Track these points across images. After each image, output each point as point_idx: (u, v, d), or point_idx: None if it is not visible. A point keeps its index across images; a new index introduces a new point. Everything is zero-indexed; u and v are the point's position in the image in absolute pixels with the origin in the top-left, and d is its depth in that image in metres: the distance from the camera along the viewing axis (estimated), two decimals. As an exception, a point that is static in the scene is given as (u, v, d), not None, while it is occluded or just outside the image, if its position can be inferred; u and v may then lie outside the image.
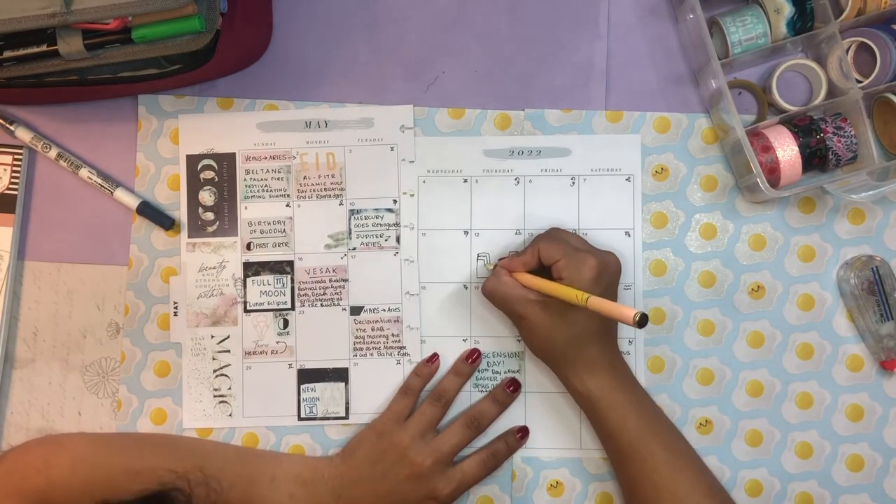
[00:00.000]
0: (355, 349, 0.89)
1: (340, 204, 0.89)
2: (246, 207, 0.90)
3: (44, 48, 0.78)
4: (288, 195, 0.90)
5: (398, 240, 0.89)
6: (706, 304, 0.89)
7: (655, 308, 0.88)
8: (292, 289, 0.89)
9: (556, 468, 0.88)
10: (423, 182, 0.89)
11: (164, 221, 0.88)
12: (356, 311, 0.89)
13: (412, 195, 0.89)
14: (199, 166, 0.90)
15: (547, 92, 0.90)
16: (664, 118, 0.89)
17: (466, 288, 0.89)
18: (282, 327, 0.89)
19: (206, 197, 0.90)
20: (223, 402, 0.89)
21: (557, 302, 0.79)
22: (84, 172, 0.89)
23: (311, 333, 0.89)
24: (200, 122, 0.90)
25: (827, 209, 0.89)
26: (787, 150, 0.84)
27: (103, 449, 0.84)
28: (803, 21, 0.85)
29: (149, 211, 0.89)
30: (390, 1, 0.91)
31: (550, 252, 0.81)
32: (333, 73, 0.91)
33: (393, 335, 0.89)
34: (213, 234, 0.90)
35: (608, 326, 0.83)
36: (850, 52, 0.87)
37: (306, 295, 0.89)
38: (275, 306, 0.89)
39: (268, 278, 0.89)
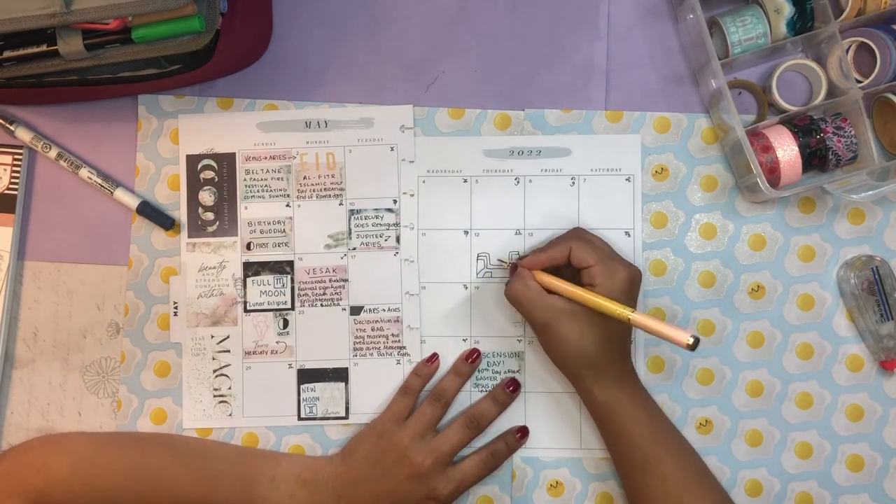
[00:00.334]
0: (355, 349, 0.89)
1: (340, 204, 0.89)
2: (246, 207, 0.90)
3: (44, 48, 0.78)
4: (288, 195, 0.90)
5: (398, 240, 0.89)
6: (706, 304, 0.89)
7: (655, 308, 0.88)
8: (292, 289, 0.89)
9: (556, 468, 0.88)
10: (423, 182, 0.89)
11: (164, 221, 0.88)
12: (356, 311, 0.89)
13: (412, 195, 0.89)
14: (199, 166, 0.90)
15: (547, 92, 0.90)
16: (664, 118, 0.89)
17: (466, 288, 0.89)
18: (282, 327, 0.89)
19: (206, 197, 0.90)
20: (223, 402, 0.89)
21: (586, 311, 0.79)
22: (84, 172, 0.89)
23: (311, 333, 0.89)
24: (200, 122, 0.90)
25: (827, 209, 0.89)
26: (787, 150, 0.84)
27: (103, 449, 0.85)
28: (803, 21, 0.85)
29: (149, 211, 0.89)
30: (390, 1, 0.91)
31: (584, 255, 0.80)
32: (333, 73, 0.91)
33: (393, 335, 0.89)
34: (213, 234, 0.90)
35: (627, 337, 0.83)
36: (850, 52, 0.87)
37: (306, 295, 0.89)
38: (275, 306, 0.89)
39: (268, 278, 0.89)
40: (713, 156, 0.89)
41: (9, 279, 0.89)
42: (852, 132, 0.84)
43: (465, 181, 0.89)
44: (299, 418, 0.89)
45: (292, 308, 0.89)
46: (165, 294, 0.90)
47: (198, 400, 0.89)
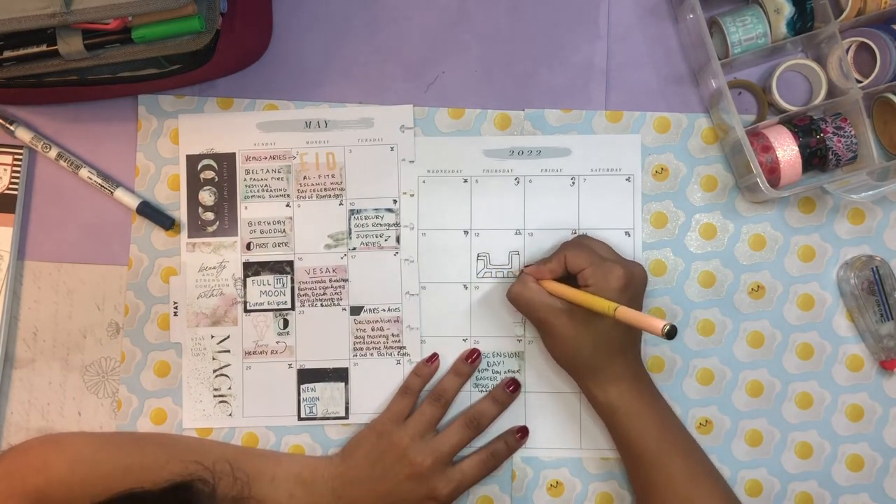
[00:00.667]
0: (355, 349, 0.89)
1: (340, 204, 0.89)
2: (246, 207, 0.90)
3: (44, 48, 0.78)
4: (288, 195, 0.90)
5: (398, 240, 0.89)
6: (706, 304, 0.89)
7: (655, 308, 0.89)
8: (292, 289, 0.89)
9: (556, 468, 0.88)
10: (423, 182, 0.89)
11: (164, 221, 0.88)
12: (356, 311, 0.89)
13: (412, 195, 0.89)
14: (199, 166, 0.90)
15: (547, 92, 0.90)
16: (664, 118, 0.89)
17: (466, 288, 0.89)
18: (282, 327, 0.89)
19: (206, 197, 0.90)
20: (223, 402, 0.89)
21: (583, 311, 0.79)
22: (84, 172, 0.89)
23: (310, 333, 0.89)
24: (200, 122, 0.90)
25: (827, 209, 0.89)
26: (787, 150, 0.84)
27: (103, 448, 0.85)
28: (803, 21, 0.85)
29: (149, 211, 0.89)
30: (390, 1, 0.91)
31: (577, 260, 0.81)
32: (333, 73, 0.91)
33: (393, 335, 0.89)
34: (213, 234, 0.90)
35: (633, 337, 0.83)
36: (850, 52, 0.87)
37: (306, 295, 0.89)
38: (275, 306, 0.89)
39: (268, 278, 0.89)
40: (713, 156, 0.89)
41: (9, 279, 0.89)
42: (852, 132, 0.84)
43: (465, 181, 0.89)
44: (299, 418, 0.89)
45: (292, 308, 0.89)
46: (165, 294, 0.90)
47: (198, 400, 0.89)
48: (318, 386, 0.89)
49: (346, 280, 0.89)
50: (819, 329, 0.88)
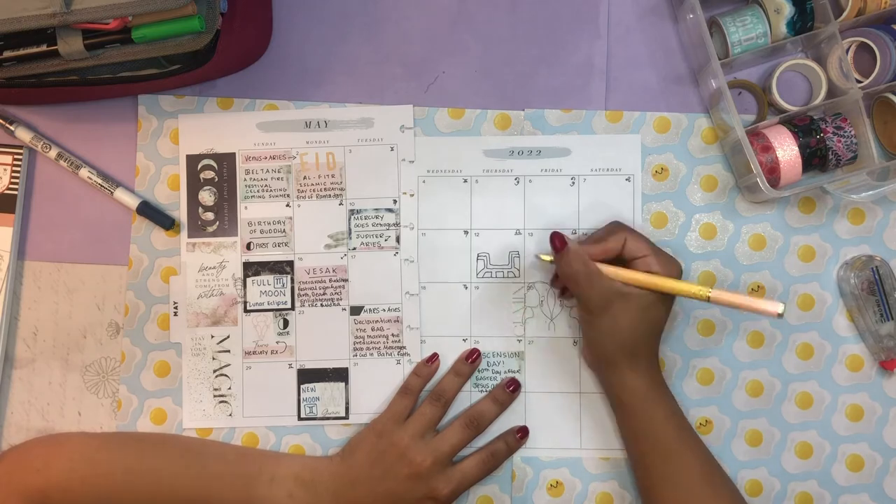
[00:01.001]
0: (355, 349, 0.89)
1: (340, 204, 0.89)
2: (246, 207, 0.90)
3: (44, 48, 0.78)
4: (288, 195, 0.90)
5: (398, 240, 0.89)
6: (706, 304, 0.88)
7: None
8: (292, 289, 0.89)
9: (556, 468, 0.88)
10: (423, 182, 0.89)
11: (164, 221, 0.88)
12: (356, 311, 0.89)
13: (412, 195, 0.89)
14: (199, 166, 0.90)
15: (547, 92, 0.90)
16: (664, 118, 0.89)
17: (466, 288, 0.89)
18: (282, 327, 0.89)
19: (206, 197, 0.90)
20: (223, 402, 0.89)
21: (641, 296, 0.79)
22: (84, 172, 0.89)
23: (311, 333, 0.89)
24: (200, 122, 0.90)
25: (827, 209, 0.89)
26: (787, 150, 0.84)
27: (103, 449, 0.85)
28: (803, 21, 0.85)
29: (149, 211, 0.89)
30: (390, 1, 0.91)
31: (639, 245, 0.80)
32: (333, 73, 0.91)
33: (393, 335, 0.89)
34: (213, 234, 0.90)
35: (666, 324, 0.83)
36: (850, 52, 0.87)
37: (306, 295, 0.89)
38: (275, 306, 0.89)
39: (268, 278, 0.89)
40: (713, 156, 0.89)
41: (9, 279, 0.89)
42: (852, 132, 0.84)
43: (465, 181, 0.89)
44: (299, 418, 0.89)
45: (292, 308, 0.89)
46: (165, 294, 0.90)
47: (198, 400, 0.89)
48: (318, 386, 0.89)
49: (346, 280, 0.89)
50: (819, 329, 0.88)
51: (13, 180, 0.89)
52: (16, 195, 0.89)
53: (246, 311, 0.89)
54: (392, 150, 0.89)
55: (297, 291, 0.89)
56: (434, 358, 0.88)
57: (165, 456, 0.84)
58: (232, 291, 0.89)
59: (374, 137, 0.90)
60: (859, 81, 0.85)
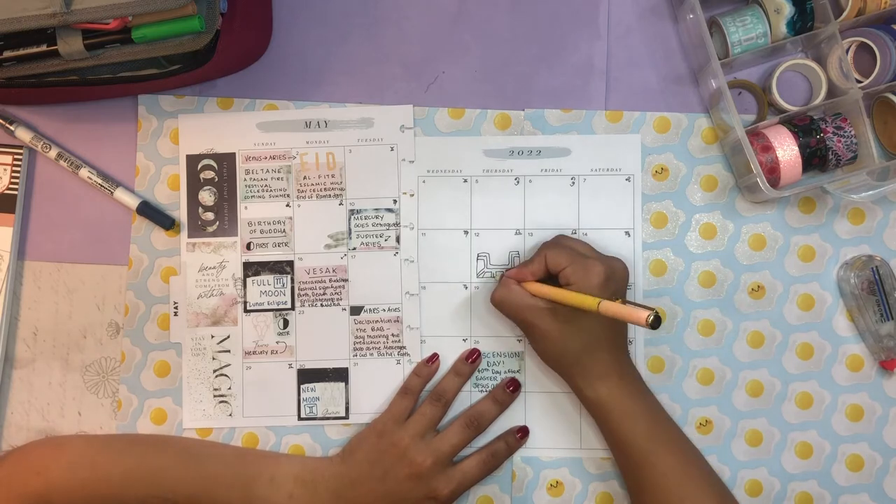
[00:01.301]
0: (355, 349, 0.89)
1: (340, 204, 0.89)
2: (246, 207, 0.89)
3: (44, 48, 0.78)
4: (288, 195, 0.90)
5: (398, 240, 0.89)
6: (706, 304, 0.89)
7: (656, 308, 0.88)
8: (292, 289, 0.89)
9: (556, 468, 0.88)
10: (423, 182, 0.89)
11: (164, 221, 0.88)
12: (356, 311, 0.89)
13: (412, 195, 0.89)
14: (199, 166, 0.90)
15: (547, 92, 0.90)
16: (664, 118, 0.89)
17: (466, 288, 0.89)
18: (282, 327, 0.89)
19: (206, 197, 0.90)
20: (223, 402, 0.89)
21: (566, 309, 0.79)
22: (84, 172, 0.89)
23: (311, 333, 0.89)
24: (200, 122, 0.90)
25: (827, 209, 0.89)
26: (787, 150, 0.84)
27: (102, 451, 0.85)
28: (803, 21, 0.85)
29: (149, 211, 0.89)
30: (390, 1, 0.91)
31: (557, 259, 0.81)
32: (333, 73, 0.91)
33: (393, 335, 0.89)
34: (213, 234, 0.90)
35: (618, 332, 0.83)
36: (850, 52, 0.87)
37: (306, 295, 0.89)
38: (275, 306, 0.89)
39: (268, 278, 0.89)
40: (713, 156, 0.89)
41: (9, 279, 0.89)
42: (852, 132, 0.84)
43: (465, 181, 0.89)
44: (299, 418, 0.89)
45: (292, 308, 0.89)
46: (165, 294, 0.90)
47: (198, 400, 0.89)
48: (319, 386, 0.89)
49: (346, 280, 0.89)
50: (819, 329, 0.88)
51: (13, 180, 0.89)
52: (16, 195, 0.89)
53: (246, 311, 0.89)
54: (392, 150, 0.89)
55: (297, 291, 0.89)
56: (434, 358, 0.88)
57: (165, 458, 0.84)
58: (232, 291, 0.89)
59: (374, 137, 0.90)
60: (859, 81, 0.85)
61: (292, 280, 0.89)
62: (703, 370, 0.88)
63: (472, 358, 0.87)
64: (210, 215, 0.90)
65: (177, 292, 0.90)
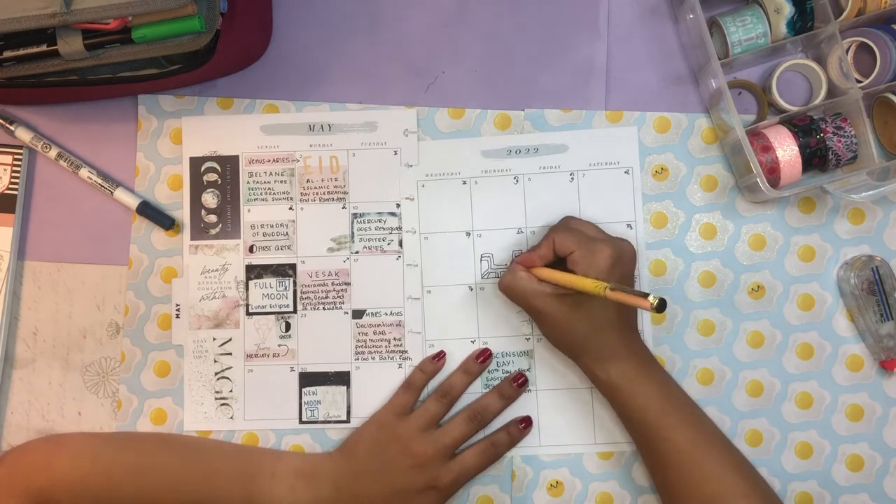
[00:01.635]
0: (357, 353, 0.89)
1: (343, 207, 0.89)
2: (249, 210, 0.89)
3: (44, 48, 0.78)
4: (291, 198, 0.89)
5: (401, 244, 0.89)
6: (706, 304, 0.89)
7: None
8: (294, 292, 0.89)
9: (556, 468, 0.88)
10: (423, 186, 0.89)
11: (164, 221, 0.88)
12: (358, 314, 0.89)
13: (412, 199, 0.89)
14: (203, 168, 0.90)
15: (547, 92, 0.90)
16: (664, 118, 0.89)
17: (472, 289, 0.89)
18: (284, 330, 0.89)
19: (209, 199, 0.90)
20: (224, 405, 0.89)
21: (574, 293, 0.79)
22: (84, 172, 0.89)
23: (312, 337, 0.89)
24: (204, 124, 0.90)
25: (827, 209, 0.89)
26: (787, 150, 0.84)
27: (105, 447, 0.85)
28: (803, 21, 0.85)
29: (149, 211, 0.88)
30: (390, 1, 0.91)
31: (565, 243, 0.81)
32: (333, 73, 0.90)
33: (395, 339, 0.89)
34: (216, 237, 0.89)
35: (627, 313, 0.83)
36: (850, 52, 0.87)
37: (308, 298, 0.89)
38: (277, 309, 0.89)
39: (270, 281, 0.89)
40: (713, 156, 0.89)
41: (9, 279, 0.89)
42: (852, 132, 0.84)
43: (465, 183, 0.89)
44: (300, 421, 0.89)
45: (294, 311, 0.89)
46: (165, 294, 0.90)
47: (199, 402, 0.89)
48: (320, 389, 0.89)
49: (348, 284, 0.89)
50: (819, 329, 0.88)
51: (13, 180, 0.89)
52: (16, 195, 0.89)
53: (248, 313, 0.89)
54: (395, 153, 0.89)
55: (299, 294, 0.89)
56: (441, 355, 0.88)
57: (167, 453, 0.85)
58: (234, 294, 0.89)
59: (377, 141, 0.89)
60: (859, 81, 0.85)
61: (295, 283, 0.89)
62: (703, 370, 0.88)
63: (483, 358, 0.87)
64: (213, 218, 0.90)
65: (179, 294, 0.89)
